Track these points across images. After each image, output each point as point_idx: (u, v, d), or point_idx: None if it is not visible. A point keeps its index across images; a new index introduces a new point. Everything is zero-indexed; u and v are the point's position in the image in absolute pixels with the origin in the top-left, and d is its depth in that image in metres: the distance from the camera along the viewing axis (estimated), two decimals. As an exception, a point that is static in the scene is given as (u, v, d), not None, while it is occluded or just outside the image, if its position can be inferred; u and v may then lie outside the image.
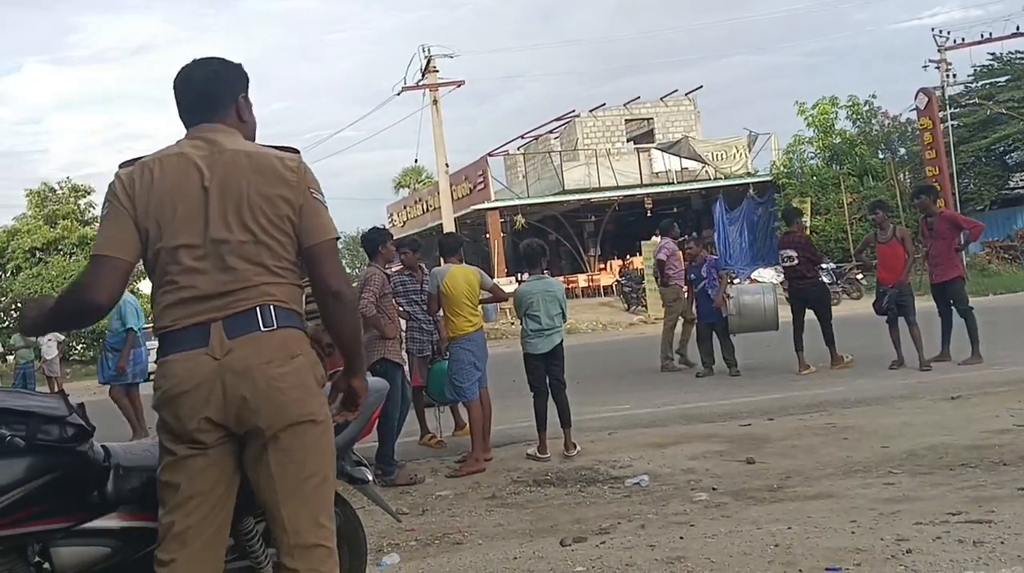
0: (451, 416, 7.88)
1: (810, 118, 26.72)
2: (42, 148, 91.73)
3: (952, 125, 25.94)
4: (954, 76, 28.66)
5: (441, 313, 6.79)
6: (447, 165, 26.63)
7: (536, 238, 7.93)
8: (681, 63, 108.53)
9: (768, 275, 20.57)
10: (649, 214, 27.00)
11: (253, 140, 2.54)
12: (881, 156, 26.72)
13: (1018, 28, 27.85)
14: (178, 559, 2.30)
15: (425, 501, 5.67)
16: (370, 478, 3.15)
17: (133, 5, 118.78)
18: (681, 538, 4.14)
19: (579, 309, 22.38)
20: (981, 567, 3.36)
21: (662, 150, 28.87)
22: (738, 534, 4.09)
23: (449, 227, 24.55)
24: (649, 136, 31.51)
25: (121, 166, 2.43)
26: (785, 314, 10.04)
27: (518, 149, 33.76)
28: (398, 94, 26.53)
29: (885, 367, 9.19)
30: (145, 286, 23.02)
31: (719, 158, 28.80)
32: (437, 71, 26.23)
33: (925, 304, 9.70)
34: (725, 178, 28.48)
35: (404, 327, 7.27)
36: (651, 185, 28.61)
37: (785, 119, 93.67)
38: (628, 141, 31.59)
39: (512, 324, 19.75)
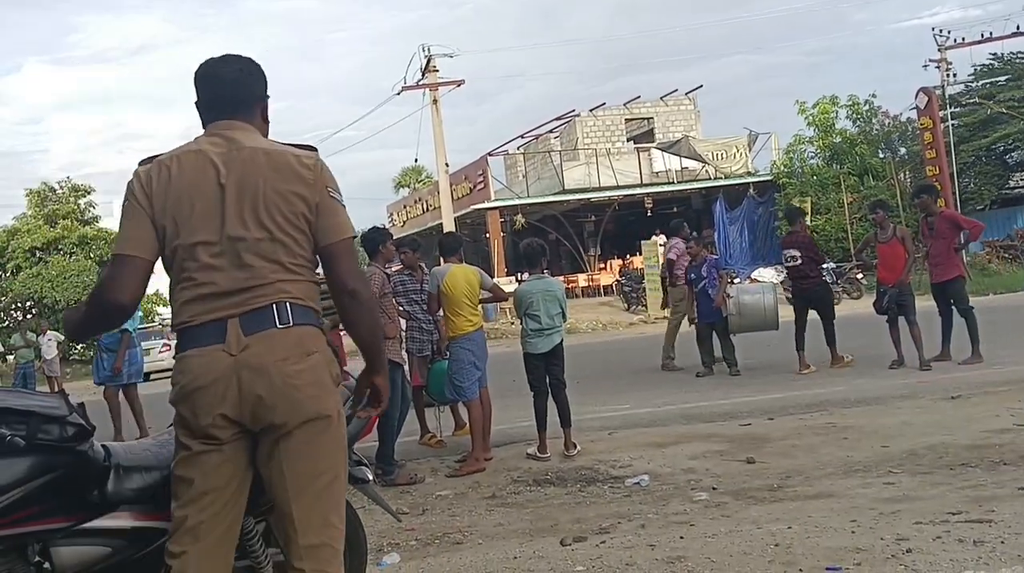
0: (451, 416, 7.88)
1: (810, 117, 26.67)
2: (42, 148, 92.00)
3: (952, 124, 25.94)
4: (954, 75, 28.70)
5: (441, 313, 6.80)
6: (447, 165, 26.60)
7: (536, 238, 7.93)
8: (681, 62, 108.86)
9: (768, 275, 20.57)
10: (649, 214, 27.02)
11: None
12: (881, 156, 26.69)
13: (1018, 28, 27.90)
14: (189, 552, 2.31)
15: (425, 501, 5.68)
16: (370, 478, 3.15)
17: (133, 5, 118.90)
18: (681, 538, 4.14)
19: (579, 309, 22.37)
20: (981, 567, 3.36)
21: (662, 150, 28.84)
22: (738, 534, 4.09)
23: (449, 227, 24.53)
24: (649, 136, 31.48)
25: (140, 164, 2.43)
26: (786, 313, 10.03)
27: (518, 149, 33.73)
28: (398, 94, 26.52)
29: (885, 367, 9.18)
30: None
31: (719, 158, 28.77)
32: (437, 71, 26.19)
33: (925, 304, 9.69)
34: (725, 178, 28.45)
35: (404, 327, 7.28)
36: (651, 185, 28.58)
37: (785, 118, 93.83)
38: (628, 141, 31.56)
39: (512, 324, 19.73)
